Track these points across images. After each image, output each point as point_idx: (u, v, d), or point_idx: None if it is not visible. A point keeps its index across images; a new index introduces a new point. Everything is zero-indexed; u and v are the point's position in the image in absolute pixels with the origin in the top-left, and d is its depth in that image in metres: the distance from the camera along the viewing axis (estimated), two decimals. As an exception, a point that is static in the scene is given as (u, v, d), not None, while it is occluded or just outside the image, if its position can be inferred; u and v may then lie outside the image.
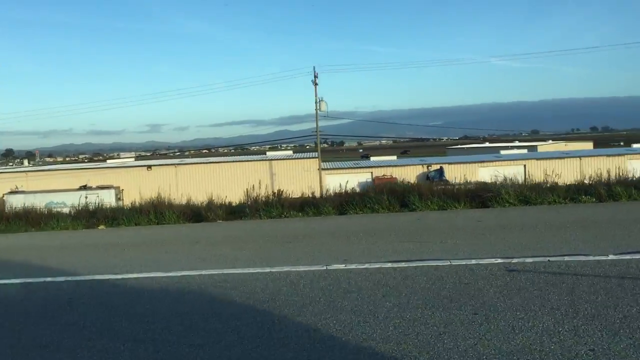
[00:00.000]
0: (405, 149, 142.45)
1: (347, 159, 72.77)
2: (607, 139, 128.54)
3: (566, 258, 7.05)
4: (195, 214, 14.45)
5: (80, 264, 8.60)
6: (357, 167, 49.35)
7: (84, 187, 40.35)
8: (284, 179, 47.37)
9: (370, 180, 47.53)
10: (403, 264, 7.26)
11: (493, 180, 18.14)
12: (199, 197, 21.07)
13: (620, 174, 16.52)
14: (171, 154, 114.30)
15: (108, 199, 30.05)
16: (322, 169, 48.07)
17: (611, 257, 6.97)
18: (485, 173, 46.50)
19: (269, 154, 55.23)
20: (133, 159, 70.90)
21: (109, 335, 4.80)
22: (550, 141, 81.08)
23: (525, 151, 61.03)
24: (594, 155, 44.54)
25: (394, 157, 56.83)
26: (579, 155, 45.06)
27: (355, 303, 5.45)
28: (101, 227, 13.95)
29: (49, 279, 7.48)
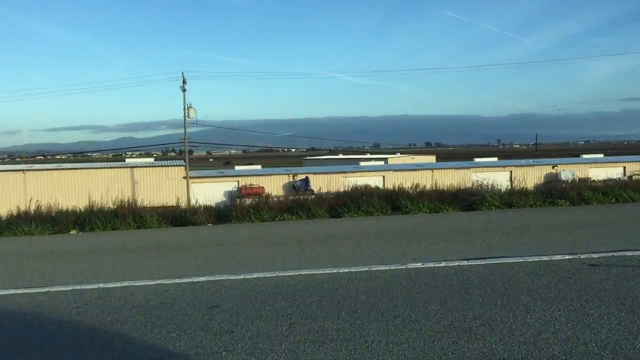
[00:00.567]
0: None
1: (211, 167, 71.63)
2: (445, 154, 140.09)
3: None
4: (175, 218, 13.85)
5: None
6: (223, 176, 48.92)
7: None
8: (146, 188, 45.61)
9: (236, 189, 47.45)
10: (477, 262, 7.41)
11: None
12: (59, 205, 19.62)
13: (576, 181, 18.52)
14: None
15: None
16: (186, 177, 47.01)
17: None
18: (347, 182, 48.67)
19: (129, 160, 52.71)
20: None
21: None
22: (399, 154, 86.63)
23: (382, 163, 64.73)
24: (444, 168, 48.47)
25: (259, 167, 57.12)
26: (431, 167, 48.80)
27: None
28: (73, 232, 13.06)
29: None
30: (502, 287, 6.00)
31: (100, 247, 10.46)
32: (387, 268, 7.09)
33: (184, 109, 43.32)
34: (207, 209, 14.80)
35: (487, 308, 5.17)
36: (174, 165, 48.30)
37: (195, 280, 6.81)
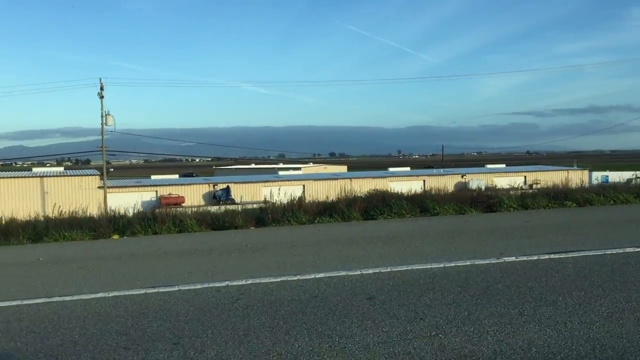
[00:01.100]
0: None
1: (127, 177, 69.14)
2: (355, 164, 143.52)
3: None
4: (214, 221, 13.57)
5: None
6: (142, 186, 47.64)
7: None
8: (58, 198, 43.49)
9: (155, 199, 46.37)
10: (574, 254, 7.72)
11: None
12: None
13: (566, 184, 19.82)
14: None
15: None
16: (101, 187, 45.38)
17: None
18: (267, 192, 48.95)
19: (36, 169, 50.02)
20: None
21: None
22: (311, 163, 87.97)
23: (295, 172, 65.55)
24: (361, 177, 50.08)
25: (176, 176, 56.11)
26: (350, 177, 50.26)
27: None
28: (115, 236, 12.77)
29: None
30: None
31: (173, 250, 10.34)
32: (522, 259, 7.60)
33: (102, 116, 41.99)
34: (244, 212, 14.86)
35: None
36: (87, 175, 46.49)
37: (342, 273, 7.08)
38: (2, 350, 4.66)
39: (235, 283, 6.79)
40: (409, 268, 7.23)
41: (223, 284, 6.74)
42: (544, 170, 53.79)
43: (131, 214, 14.53)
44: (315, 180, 50.15)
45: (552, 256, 7.70)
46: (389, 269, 7.21)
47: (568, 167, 57.95)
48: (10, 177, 44.62)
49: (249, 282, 6.86)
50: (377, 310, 5.24)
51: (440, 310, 5.16)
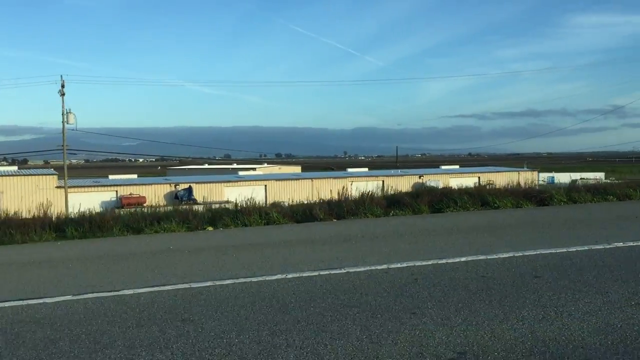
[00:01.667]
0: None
1: (84, 176, 67.23)
2: (309, 164, 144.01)
3: None
4: (296, 214, 14.23)
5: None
6: (101, 185, 46.82)
7: None
8: (13, 198, 42.26)
9: (115, 199, 45.68)
10: None
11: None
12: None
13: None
14: None
15: None
16: (59, 187, 44.39)
17: None
18: (230, 192, 49.01)
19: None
20: None
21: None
22: (266, 164, 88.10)
23: (261, 172, 65.69)
24: (322, 178, 50.86)
25: (135, 176, 55.25)
26: (311, 177, 50.94)
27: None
28: (209, 228, 13.34)
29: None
30: None
31: (284, 239, 10.91)
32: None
33: (63, 114, 41.04)
34: (324, 204, 15.34)
35: None
36: (44, 174, 45.36)
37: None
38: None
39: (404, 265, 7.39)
40: (555, 251, 7.91)
41: (383, 267, 7.32)
42: (496, 172, 56.06)
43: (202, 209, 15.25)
44: (277, 180, 50.60)
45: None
46: (538, 252, 7.89)
47: (518, 168, 60.57)
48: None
49: (429, 262, 7.44)
50: (551, 286, 5.94)
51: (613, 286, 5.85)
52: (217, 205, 19.27)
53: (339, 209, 14.49)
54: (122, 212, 15.14)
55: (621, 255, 7.55)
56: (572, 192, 16.55)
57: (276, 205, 16.43)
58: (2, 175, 44.12)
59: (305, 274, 7.06)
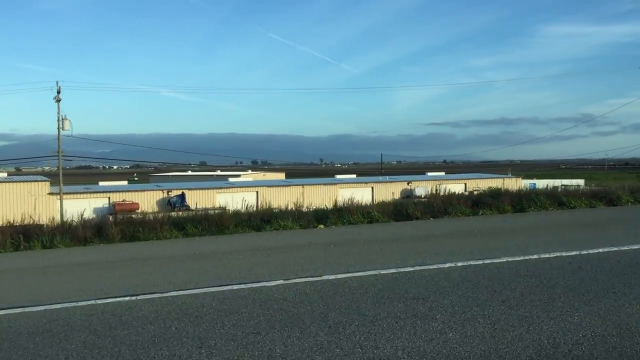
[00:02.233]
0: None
1: (75, 183, 66.58)
2: (292, 171, 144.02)
3: None
4: (395, 213, 15.26)
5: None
6: (93, 192, 46.72)
7: None
8: (5, 205, 41.93)
9: (107, 205, 45.61)
10: None
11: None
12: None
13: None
14: None
15: None
16: (54, 194, 44.24)
17: None
18: (222, 198, 49.24)
19: (-24, 176, 47.88)
20: None
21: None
22: (250, 171, 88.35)
23: (250, 179, 65.98)
24: (312, 184, 51.45)
25: (125, 182, 55.15)
26: (301, 183, 51.47)
27: None
28: (320, 226, 14.28)
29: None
30: None
31: (407, 235, 12.03)
32: None
33: (58, 120, 40.98)
34: (418, 204, 16.10)
35: None
36: (36, 181, 45.16)
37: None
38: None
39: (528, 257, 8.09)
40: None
41: (546, 255, 8.07)
42: (482, 178, 57.33)
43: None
44: (268, 186, 51.00)
45: None
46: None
47: (503, 174, 62.03)
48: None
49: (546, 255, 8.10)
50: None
51: None
52: (211, 212, 19.75)
53: (429, 208, 15.48)
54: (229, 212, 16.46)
55: None
56: (636, 193, 17.65)
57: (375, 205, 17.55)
58: (-7, 182, 43.78)
59: (472, 263, 7.81)
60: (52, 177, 49.42)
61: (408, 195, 51.85)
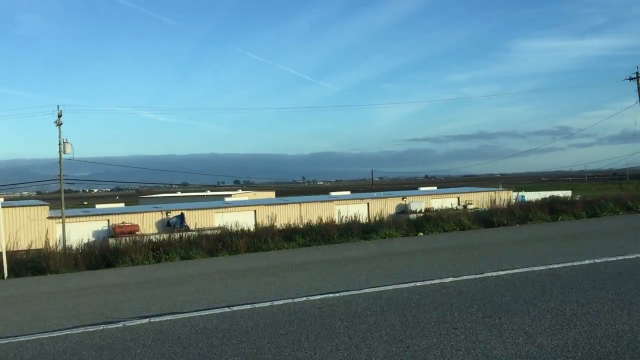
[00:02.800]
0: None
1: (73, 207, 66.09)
2: (281, 190, 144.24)
3: None
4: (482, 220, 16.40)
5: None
6: (92, 215, 46.72)
7: None
8: (7, 228, 41.73)
9: (107, 228, 45.62)
10: None
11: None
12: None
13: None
14: None
15: None
16: (52, 217, 44.21)
17: None
18: (219, 218, 49.50)
19: (-28, 202, 47.57)
20: None
21: None
22: (240, 190, 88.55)
23: (246, 197, 66.19)
24: (308, 202, 51.98)
25: (122, 204, 55.13)
26: (298, 201, 51.98)
27: None
28: (420, 234, 15.36)
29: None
30: None
31: (517, 238, 13.42)
32: None
33: (60, 144, 41.15)
34: (504, 211, 17.29)
35: None
36: (36, 205, 45.11)
37: None
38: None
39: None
40: None
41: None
42: (473, 192, 58.40)
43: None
44: (266, 205, 51.43)
45: None
46: None
47: (494, 188, 63.18)
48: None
49: None
50: None
51: None
52: (210, 232, 20.25)
53: (511, 216, 16.46)
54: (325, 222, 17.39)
55: None
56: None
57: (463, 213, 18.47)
58: (-8, 207, 43.60)
59: (609, 259, 8.95)
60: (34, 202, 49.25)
61: (403, 210, 52.64)
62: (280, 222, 31.39)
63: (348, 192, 62.02)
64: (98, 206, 53.35)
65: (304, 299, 7.56)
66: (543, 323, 5.50)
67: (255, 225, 38.51)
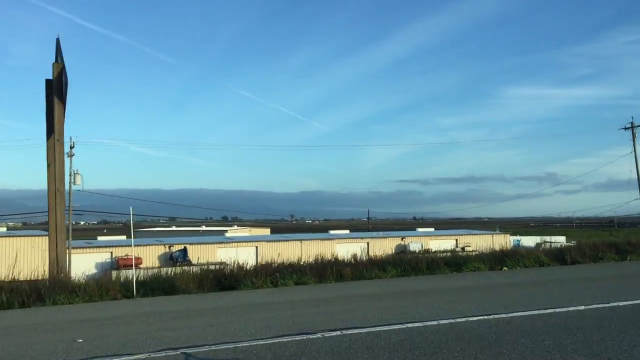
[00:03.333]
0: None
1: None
2: (278, 227, 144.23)
3: None
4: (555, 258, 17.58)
5: None
6: (96, 247, 46.90)
7: None
8: (8, 259, 41.81)
9: (109, 260, 45.78)
10: None
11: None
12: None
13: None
14: None
15: None
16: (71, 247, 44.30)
17: None
18: (222, 253, 49.84)
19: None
20: None
21: None
22: (236, 226, 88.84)
23: (246, 233, 66.50)
24: (309, 239, 52.57)
25: (124, 237, 55.29)
26: (299, 238, 52.55)
27: None
28: (504, 268, 16.31)
29: None
30: None
31: (610, 275, 14.72)
32: None
33: (70, 175, 41.69)
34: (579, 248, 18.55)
35: None
36: (39, 235, 45.24)
37: None
38: None
39: None
40: None
41: None
42: (471, 234, 59.34)
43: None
44: (267, 241, 51.89)
45: None
46: None
47: (491, 231, 64.23)
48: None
49: None
50: None
51: None
52: (213, 267, 20.72)
53: (582, 254, 17.42)
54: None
55: None
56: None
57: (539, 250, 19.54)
58: (-4, 236, 43.74)
59: None
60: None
61: (402, 250, 53.28)
62: (283, 259, 32.06)
63: (347, 231, 62.73)
64: (100, 238, 53.47)
65: (464, 319, 8.48)
66: None
67: (256, 261, 39.06)
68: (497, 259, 17.15)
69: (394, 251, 53.62)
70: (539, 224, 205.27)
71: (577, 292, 11.02)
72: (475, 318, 8.47)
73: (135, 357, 6.75)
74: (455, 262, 16.90)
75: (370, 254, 45.31)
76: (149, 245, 48.82)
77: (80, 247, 46.61)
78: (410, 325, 8.12)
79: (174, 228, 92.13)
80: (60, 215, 16.64)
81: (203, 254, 49.12)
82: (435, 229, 70.07)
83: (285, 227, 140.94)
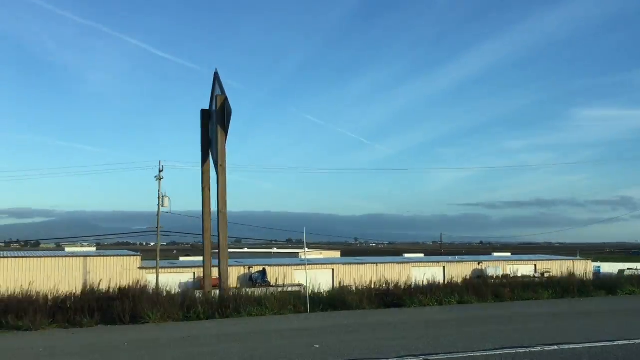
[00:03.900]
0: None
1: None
2: (348, 250, 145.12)
3: None
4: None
5: None
6: (179, 267, 48.74)
7: None
8: (100, 277, 44.04)
9: (192, 280, 47.41)
10: None
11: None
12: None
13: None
14: None
15: None
16: (143, 268, 46.40)
17: None
18: (298, 275, 50.69)
19: (69, 249, 50.69)
20: None
21: None
22: (307, 249, 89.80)
23: (315, 256, 67.34)
24: (384, 263, 52.67)
25: (201, 258, 57.19)
26: (375, 262, 52.74)
27: None
28: (609, 295, 17.55)
29: None
30: None
31: None
32: None
33: (159, 198, 43.78)
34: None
35: None
36: (128, 255, 47.58)
37: None
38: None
39: None
40: None
41: None
42: (550, 260, 57.73)
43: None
44: (343, 264, 52.31)
45: None
46: None
47: (572, 257, 62.30)
48: (54, 257, 45.38)
49: None
50: None
51: None
52: (291, 289, 21.25)
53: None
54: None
55: None
56: None
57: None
58: (90, 256, 46.30)
59: None
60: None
61: (479, 275, 52.44)
62: (361, 283, 32.36)
63: (422, 255, 62.37)
64: (182, 259, 55.44)
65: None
66: None
67: (333, 283, 39.48)
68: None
69: (471, 275, 52.92)
70: (615, 250, 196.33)
71: None
72: None
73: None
74: (604, 285, 17.38)
75: (447, 278, 45.01)
76: (230, 266, 50.08)
77: (166, 267, 48.51)
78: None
79: (245, 250, 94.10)
80: (223, 235, 18.01)
81: (281, 276, 50.07)
82: (512, 254, 68.63)
83: (352, 250, 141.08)
